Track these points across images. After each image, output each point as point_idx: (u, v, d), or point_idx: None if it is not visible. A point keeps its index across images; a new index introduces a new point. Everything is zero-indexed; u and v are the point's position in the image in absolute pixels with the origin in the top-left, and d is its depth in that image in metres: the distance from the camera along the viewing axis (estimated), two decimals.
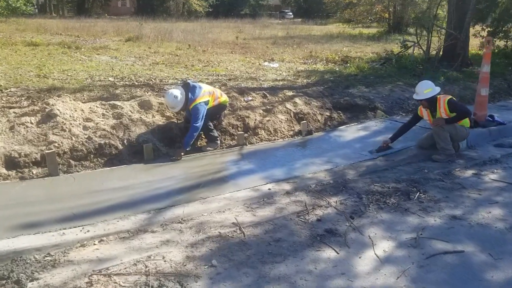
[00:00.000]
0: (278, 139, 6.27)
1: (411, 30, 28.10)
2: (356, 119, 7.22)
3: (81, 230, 3.55)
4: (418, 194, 4.50)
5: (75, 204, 4.03)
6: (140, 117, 5.70)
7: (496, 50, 14.22)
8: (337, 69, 10.96)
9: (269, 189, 4.51)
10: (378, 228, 3.79)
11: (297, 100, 7.08)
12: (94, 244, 3.42)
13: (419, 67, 10.42)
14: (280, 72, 10.38)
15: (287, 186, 4.60)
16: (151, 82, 8.44)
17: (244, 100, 6.79)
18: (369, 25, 29.77)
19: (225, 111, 6.17)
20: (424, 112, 5.87)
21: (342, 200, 4.34)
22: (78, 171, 4.89)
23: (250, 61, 12.43)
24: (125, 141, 5.33)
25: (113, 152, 5.18)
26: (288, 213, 4.01)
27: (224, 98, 5.91)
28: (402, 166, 5.40)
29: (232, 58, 13.01)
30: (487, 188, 4.77)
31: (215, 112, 5.84)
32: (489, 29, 14.19)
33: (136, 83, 8.19)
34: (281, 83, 8.82)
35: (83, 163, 4.97)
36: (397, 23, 27.31)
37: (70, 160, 4.90)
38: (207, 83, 8.65)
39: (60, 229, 3.54)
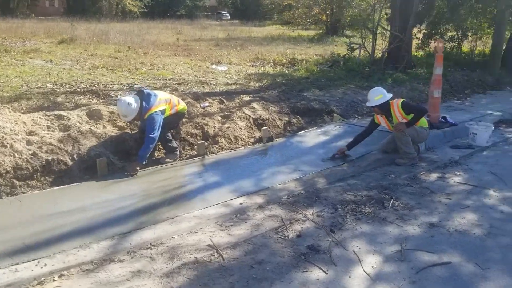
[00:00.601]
0: (239, 147, 6.00)
1: (348, 32, 28.98)
2: (314, 123, 7.11)
3: (36, 265, 3.09)
4: (391, 201, 4.41)
5: (25, 232, 3.53)
6: (90, 129, 5.20)
7: (431, 51, 14.83)
8: (286, 72, 10.87)
9: (241, 203, 4.23)
10: (361, 241, 3.64)
11: (255, 105, 6.84)
12: (54, 281, 2.98)
13: (365, 69, 10.56)
14: (230, 76, 10.11)
15: (258, 199, 4.35)
16: (94, 88, 7.87)
17: (200, 106, 6.45)
18: (308, 27, 30.19)
19: (183, 119, 5.80)
20: (380, 119, 5.80)
21: (318, 212, 4.16)
22: (23, 193, 4.33)
23: (196, 64, 12.06)
24: (75, 156, 4.82)
25: (63, 168, 4.66)
26: (266, 230, 3.75)
27: (182, 105, 5.55)
28: (368, 172, 5.33)
29: (177, 60, 12.56)
30: (455, 191, 4.78)
31: (173, 121, 5.47)
32: (425, 31, 14.70)
33: (79, 90, 7.60)
34: (234, 87, 8.55)
35: (29, 182, 4.42)
36: (334, 26, 27.93)
37: (14, 180, 4.34)
38: (155, 88, 8.24)
39: (12, 265, 3.06)
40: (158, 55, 13.60)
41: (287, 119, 6.89)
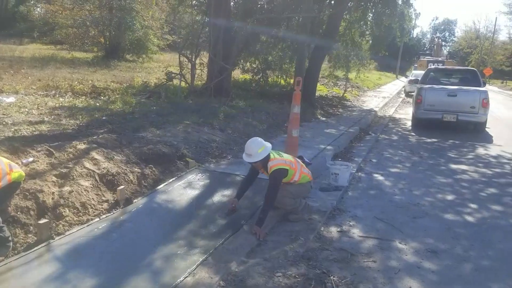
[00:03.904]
0: (93, 219, 4.30)
1: (128, 56, 27.58)
2: (169, 172, 5.81)
3: None
4: (331, 278, 3.64)
5: None
6: None
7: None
8: (98, 104, 9.07)
9: None
10: None
11: (95, 155, 5.17)
12: None
13: (188, 101, 9.67)
14: (27, 110, 7.80)
15: None
16: None
17: (22, 162, 4.47)
18: (86, 49, 27.45)
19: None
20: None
21: None
22: None
23: None
24: None
25: None
26: None
27: (17, 172, 3.59)
28: (272, 237, 4.43)
29: None
30: (370, 250, 4.33)
31: (4, 197, 3.51)
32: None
33: None
34: (44, 127, 6.49)
35: None
36: (114, 48, 26.15)
37: None
38: None
39: None
40: None
41: (138, 170, 5.43)
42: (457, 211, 5.58)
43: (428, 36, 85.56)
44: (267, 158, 4.63)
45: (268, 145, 4.70)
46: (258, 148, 4.60)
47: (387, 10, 15.96)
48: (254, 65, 14.49)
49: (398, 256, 4.22)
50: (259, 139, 4.76)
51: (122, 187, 4.77)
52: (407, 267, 4.00)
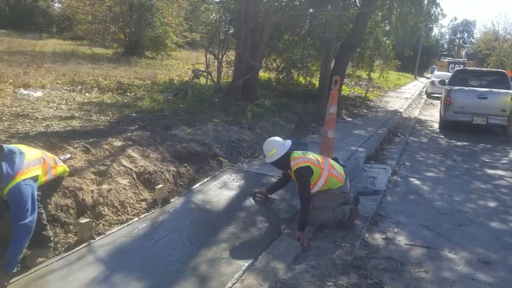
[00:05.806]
0: (131, 218, 4.17)
1: (148, 53, 27.57)
2: (203, 172, 5.67)
3: None
4: None
5: None
6: None
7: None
8: (126, 101, 8.97)
9: None
10: None
11: (131, 152, 5.04)
12: None
13: (215, 99, 9.51)
14: (56, 105, 7.71)
15: None
16: None
17: (60, 158, 4.33)
18: (107, 45, 27.46)
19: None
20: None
21: None
22: None
23: None
24: None
25: None
26: None
27: (61, 167, 3.50)
28: (315, 242, 4.24)
29: None
30: (420, 260, 4.14)
31: (49, 193, 3.41)
32: None
33: None
34: (76, 123, 6.39)
35: None
36: (134, 45, 26.13)
37: None
38: None
39: None
40: None
41: (174, 169, 5.29)
42: (503, 219, 5.35)
43: (447, 37, 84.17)
44: (286, 159, 4.42)
45: (285, 143, 4.49)
46: (268, 150, 4.52)
47: (413, 9, 15.62)
48: (276, 64, 14.28)
49: (450, 267, 4.01)
50: (275, 139, 4.62)
51: (160, 186, 4.63)
52: (461, 278, 3.80)
